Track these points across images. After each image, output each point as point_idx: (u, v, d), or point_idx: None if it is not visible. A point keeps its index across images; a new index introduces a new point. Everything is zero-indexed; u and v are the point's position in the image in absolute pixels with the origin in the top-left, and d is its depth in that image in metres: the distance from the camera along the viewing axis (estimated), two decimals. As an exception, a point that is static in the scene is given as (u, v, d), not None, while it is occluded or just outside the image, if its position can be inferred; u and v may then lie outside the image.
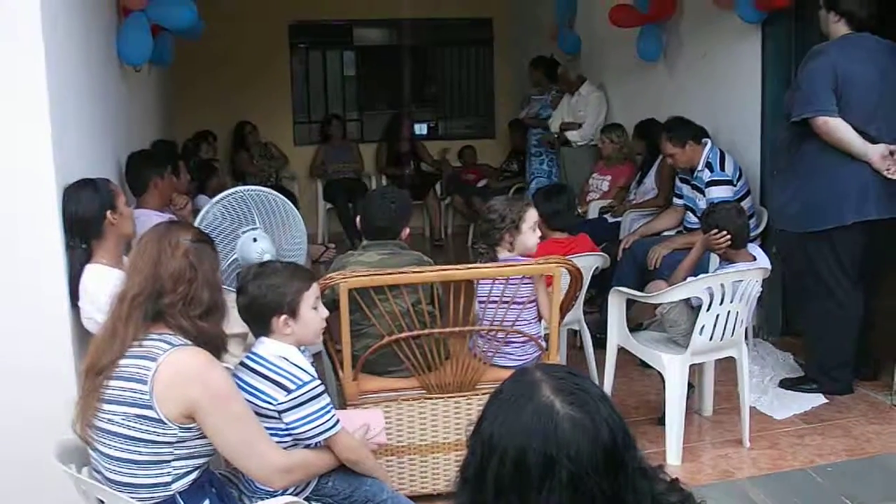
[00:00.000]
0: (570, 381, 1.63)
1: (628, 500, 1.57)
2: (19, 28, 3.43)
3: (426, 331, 3.90)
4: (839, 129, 4.74)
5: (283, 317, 2.96)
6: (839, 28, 4.91)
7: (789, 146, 5.04)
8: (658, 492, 1.67)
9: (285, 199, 4.12)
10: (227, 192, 4.10)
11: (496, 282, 3.98)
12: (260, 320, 2.98)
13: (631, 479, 1.59)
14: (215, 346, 2.73)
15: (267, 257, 3.84)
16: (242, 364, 2.96)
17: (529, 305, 4.10)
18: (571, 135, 8.53)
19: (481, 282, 4.03)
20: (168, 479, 2.59)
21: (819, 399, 5.11)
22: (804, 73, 4.87)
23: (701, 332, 4.33)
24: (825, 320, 5.13)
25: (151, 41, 5.53)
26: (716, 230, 4.58)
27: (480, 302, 4.04)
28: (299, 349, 3.04)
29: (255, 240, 4.00)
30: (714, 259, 4.99)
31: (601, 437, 1.54)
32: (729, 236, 4.55)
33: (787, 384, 5.32)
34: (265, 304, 2.95)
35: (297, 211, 4.16)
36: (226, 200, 4.02)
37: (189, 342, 2.61)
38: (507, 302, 3.96)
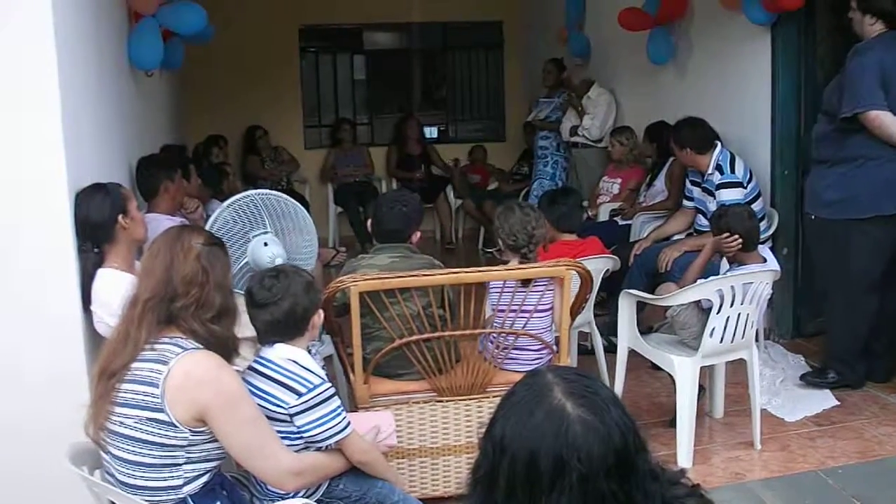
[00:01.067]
0: (582, 383, 1.64)
1: (638, 501, 1.58)
2: (32, 33, 3.44)
3: (437, 334, 3.90)
4: (890, 122, 4.77)
5: (319, 313, 3.03)
6: (875, 29, 4.92)
7: (833, 139, 5.05)
8: (671, 495, 1.68)
9: (296, 203, 4.11)
10: (238, 195, 4.10)
11: (518, 290, 3.99)
12: (301, 324, 3.00)
13: (641, 481, 1.60)
14: (227, 349, 2.74)
15: (279, 261, 3.85)
16: (252, 368, 2.98)
17: (548, 312, 4.11)
18: (579, 132, 8.53)
19: (506, 289, 4.03)
20: (179, 482, 2.60)
21: (830, 401, 5.10)
22: (851, 69, 4.88)
23: (711, 335, 4.33)
24: (849, 311, 5.16)
25: (162, 46, 5.55)
26: (727, 233, 4.58)
27: (500, 310, 4.04)
28: (309, 351, 3.05)
29: (265, 244, 4.00)
30: (724, 264, 4.98)
31: (612, 440, 1.55)
32: (740, 239, 4.55)
33: (807, 377, 5.34)
34: (308, 307, 3.00)
35: (308, 214, 4.15)
36: (237, 204, 4.03)
37: (201, 346, 2.63)
38: (528, 311, 3.98)
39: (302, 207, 4.13)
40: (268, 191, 4.16)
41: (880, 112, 4.78)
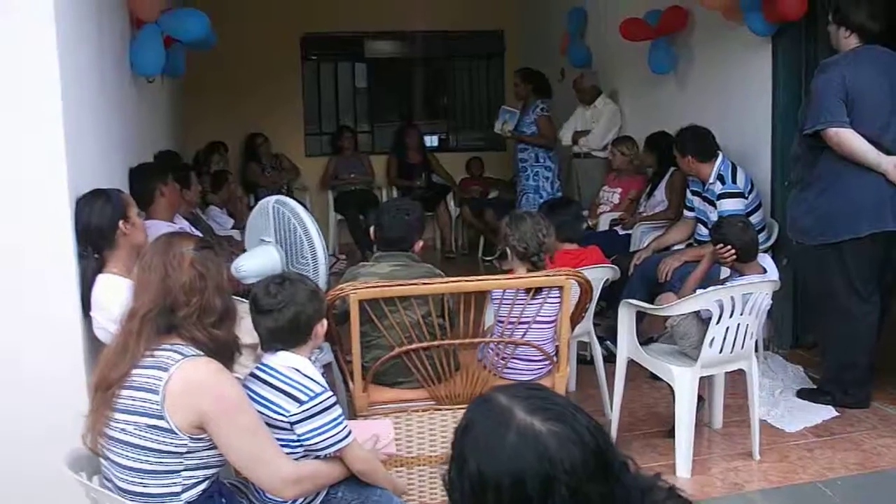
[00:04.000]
0: (538, 396, 1.64)
1: (618, 494, 1.58)
2: (33, 38, 3.46)
3: (436, 342, 3.90)
4: (851, 140, 4.75)
5: (323, 322, 3.04)
6: (850, 42, 4.93)
7: (803, 159, 5.05)
8: (644, 485, 1.68)
9: (308, 225, 4.05)
10: (265, 200, 4.11)
11: (519, 299, 3.98)
12: (305, 332, 3.00)
13: (617, 474, 1.60)
14: (229, 352, 2.75)
15: (237, 272, 3.85)
16: (254, 375, 2.97)
17: (550, 323, 4.11)
18: (581, 141, 8.53)
19: (506, 298, 4.02)
20: (178, 488, 2.60)
21: (830, 412, 5.10)
22: (814, 86, 4.89)
23: (711, 345, 4.32)
24: (839, 334, 5.13)
25: (164, 52, 5.56)
26: (721, 244, 4.58)
27: (501, 320, 4.04)
28: (310, 360, 3.05)
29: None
30: (724, 270, 4.98)
31: (587, 444, 1.55)
32: (734, 251, 4.55)
33: (803, 395, 5.32)
34: (311, 316, 3.01)
35: (318, 242, 4.08)
36: (257, 211, 4.04)
37: (201, 352, 2.63)
38: (528, 322, 3.98)
39: (309, 226, 4.06)
40: (287, 201, 4.13)
41: (840, 129, 4.77)
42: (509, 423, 1.58)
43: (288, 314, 2.96)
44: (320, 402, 2.86)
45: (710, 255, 4.76)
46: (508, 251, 4.28)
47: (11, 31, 3.45)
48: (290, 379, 2.90)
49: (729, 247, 4.56)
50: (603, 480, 1.56)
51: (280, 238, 4.12)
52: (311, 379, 2.92)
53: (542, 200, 8.32)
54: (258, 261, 4.01)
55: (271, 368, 2.94)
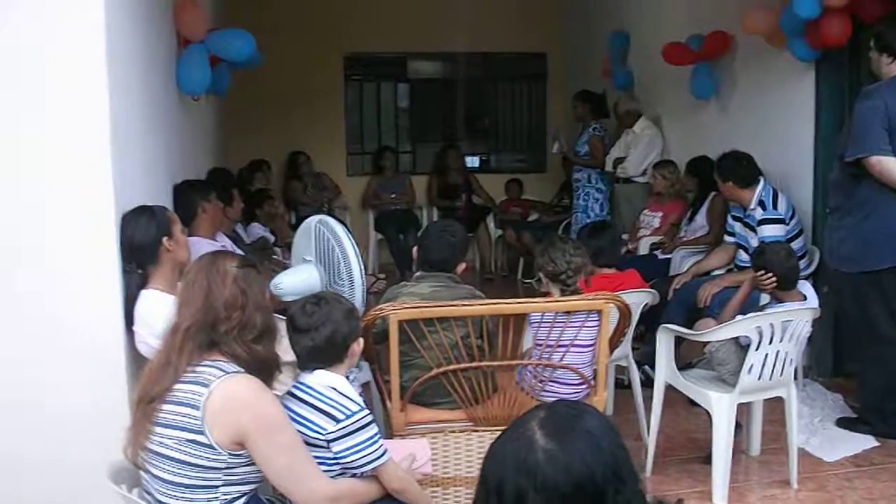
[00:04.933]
0: (565, 415, 1.66)
1: None
2: (84, 56, 3.52)
3: (475, 363, 3.91)
4: (893, 168, 4.72)
5: (359, 341, 3.07)
6: (892, 69, 4.90)
7: (843, 186, 5.03)
8: None
9: (341, 239, 4.08)
10: (310, 219, 4.14)
11: (557, 322, 3.98)
12: (341, 351, 3.03)
13: None
14: (269, 369, 2.78)
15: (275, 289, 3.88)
16: (291, 393, 2.99)
17: (589, 347, 4.11)
18: (619, 168, 8.56)
19: (544, 321, 4.02)
20: (217, 503, 2.62)
21: (870, 442, 5.05)
22: (856, 113, 4.87)
23: (749, 372, 4.30)
24: (878, 363, 5.08)
25: (210, 72, 5.63)
26: (763, 271, 4.57)
27: (539, 343, 4.04)
28: (347, 378, 3.07)
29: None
30: (765, 296, 4.96)
31: (573, 472, 1.56)
32: (775, 278, 4.54)
33: (843, 423, 5.27)
34: (347, 335, 3.03)
35: (358, 266, 4.07)
36: (302, 229, 4.08)
37: (241, 369, 2.66)
38: (566, 345, 3.99)
39: (351, 254, 4.07)
40: (329, 222, 4.16)
41: (882, 157, 4.74)
42: (520, 430, 1.63)
43: (324, 333, 2.98)
44: (357, 421, 2.88)
45: (749, 282, 4.74)
46: (541, 274, 4.31)
47: (62, 45, 3.52)
48: (326, 397, 2.92)
49: (770, 274, 4.55)
50: None
51: (321, 257, 4.15)
52: (348, 397, 2.94)
53: (588, 221, 8.37)
54: (297, 279, 4.04)
55: (308, 387, 2.97)
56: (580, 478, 1.56)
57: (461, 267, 4.27)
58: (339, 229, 4.13)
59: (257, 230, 7.50)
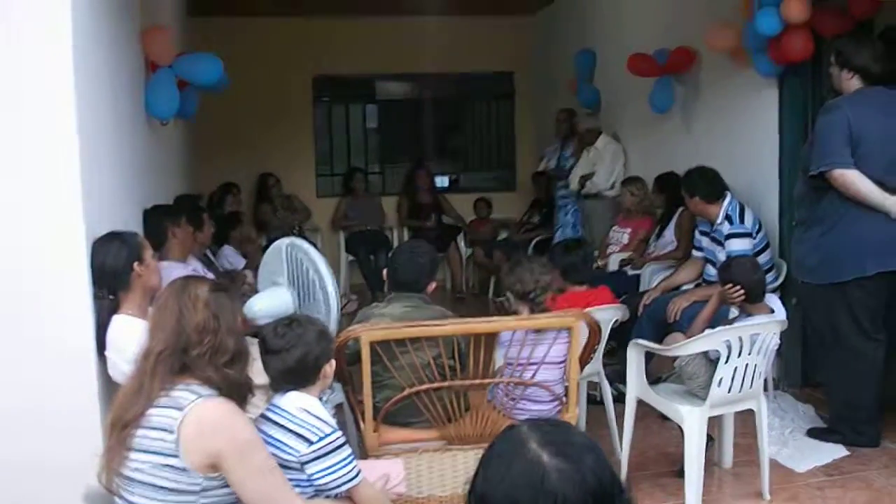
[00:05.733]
0: (556, 432, 1.69)
1: None
2: (52, 81, 3.53)
3: (447, 383, 3.92)
4: (856, 181, 4.79)
5: (331, 362, 3.08)
6: (852, 84, 4.97)
7: (808, 199, 5.09)
8: None
9: (314, 262, 4.09)
10: (278, 242, 4.14)
11: (528, 340, 4.00)
12: (313, 372, 3.04)
13: None
14: (242, 392, 2.79)
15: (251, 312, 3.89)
16: (264, 416, 3.00)
17: (560, 364, 4.13)
18: (588, 184, 8.62)
19: (515, 339, 4.04)
20: (192, 527, 2.63)
21: (841, 451, 5.08)
22: (818, 127, 4.94)
23: (719, 385, 4.34)
24: (846, 373, 5.12)
25: (178, 95, 5.64)
26: (730, 284, 4.62)
27: (510, 362, 4.06)
28: (320, 399, 3.08)
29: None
30: (733, 310, 5.00)
31: (587, 486, 1.59)
32: (742, 291, 4.58)
33: (813, 434, 5.31)
34: (319, 356, 3.04)
35: (331, 289, 4.10)
36: (270, 252, 4.07)
37: (215, 392, 2.67)
38: (537, 363, 4.00)
39: (326, 274, 4.08)
40: (300, 244, 4.16)
41: (845, 171, 4.80)
42: (520, 451, 1.64)
43: (296, 355, 3.00)
44: (330, 443, 2.89)
45: (718, 296, 4.79)
46: (509, 294, 4.34)
47: (29, 72, 3.52)
48: (299, 419, 2.93)
49: (737, 287, 4.59)
50: None
51: (292, 280, 4.16)
52: (321, 419, 2.95)
53: (566, 239, 8.42)
54: (271, 302, 4.04)
55: (281, 409, 2.98)
56: (593, 490, 1.59)
57: (432, 286, 4.29)
58: (312, 250, 4.15)
59: (228, 253, 7.49)
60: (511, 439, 1.69)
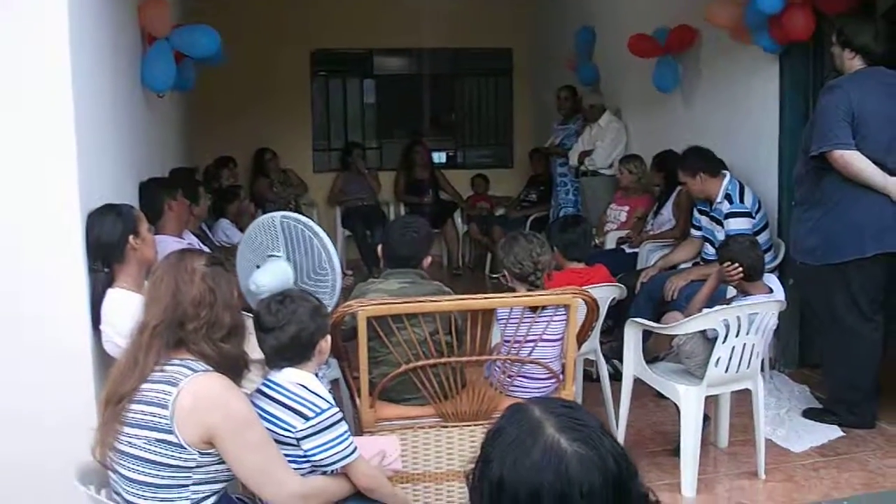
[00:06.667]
0: (571, 415, 1.66)
1: None
2: (48, 54, 3.49)
3: (443, 359, 3.91)
4: (856, 162, 4.76)
5: (326, 338, 3.05)
6: (854, 64, 4.95)
7: (808, 180, 5.07)
8: None
9: (323, 237, 4.05)
10: (270, 215, 4.10)
11: (525, 317, 3.98)
12: (308, 349, 3.02)
13: None
14: (238, 367, 2.77)
15: (255, 286, 3.87)
16: (259, 391, 2.98)
17: (557, 341, 4.12)
18: (586, 160, 8.60)
19: (513, 317, 4.02)
20: (186, 503, 2.61)
21: (836, 432, 5.10)
22: (819, 108, 4.91)
23: (716, 364, 4.33)
24: (843, 354, 5.13)
25: (175, 68, 5.60)
26: (729, 263, 4.60)
27: (507, 340, 4.05)
28: (317, 375, 3.06)
29: (257, 266, 4.00)
30: (731, 290, 5.00)
31: (609, 470, 1.57)
32: (741, 269, 4.57)
33: (809, 414, 5.33)
34: (314, 333, 3.02)
35: (332, 250, 4.08)
36: (264, 222, 4.04)
37: (210, 368, 2.65)
38: (534, 340, 3.99)
39: (323, 238, 4.05)
40: (293, 215, 4.14)
41: (845, 151, 4.78)
42: (537, 436, 1.61)
43: (290, 331, 2.97)
44: (326, 419, 2.87)
45: (716, 274, 4.78)
46: (506, 273, 4.31)
47: (26, 42, 3.48)
48: (295, 395, 2.91)
49: (736, 265, 4.58)
50: None
51: (289, 254, 4.12)
52: (318, 395, 2.93)
53: (566, 216, 8.39)
54: (274, 276, 4.01)
55: (277, 385, 2.96)
56: (615, 476, 1.58)
57: (427, 261, 4.27)
58: (310, 222, 4.12)
59: (225, 227, 7.47)
60: (525, 423, 1.65)
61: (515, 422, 1.67)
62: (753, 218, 5.84)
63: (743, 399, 4.78)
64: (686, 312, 4.84)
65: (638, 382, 4.72)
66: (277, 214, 4.10)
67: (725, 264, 4.62)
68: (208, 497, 2.66)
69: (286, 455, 2.81)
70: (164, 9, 5.53)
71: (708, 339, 4.45)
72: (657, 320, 5.04)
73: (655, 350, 5.05)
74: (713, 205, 5.98)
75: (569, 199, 9.31)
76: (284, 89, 10.89)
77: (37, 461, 3.46)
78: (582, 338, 4.27)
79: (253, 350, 2.97)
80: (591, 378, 5.53)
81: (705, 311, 4.52)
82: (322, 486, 2.89)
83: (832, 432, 5.09)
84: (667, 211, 7.08)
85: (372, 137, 11.92)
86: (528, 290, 4.19)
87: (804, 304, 5.60)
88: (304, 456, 2.87)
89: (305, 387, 2.94)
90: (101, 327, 3.63)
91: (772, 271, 5.41)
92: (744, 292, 4.64)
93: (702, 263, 6.14)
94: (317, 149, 11.59)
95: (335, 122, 11.80)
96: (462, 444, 4.01)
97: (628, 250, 7.24)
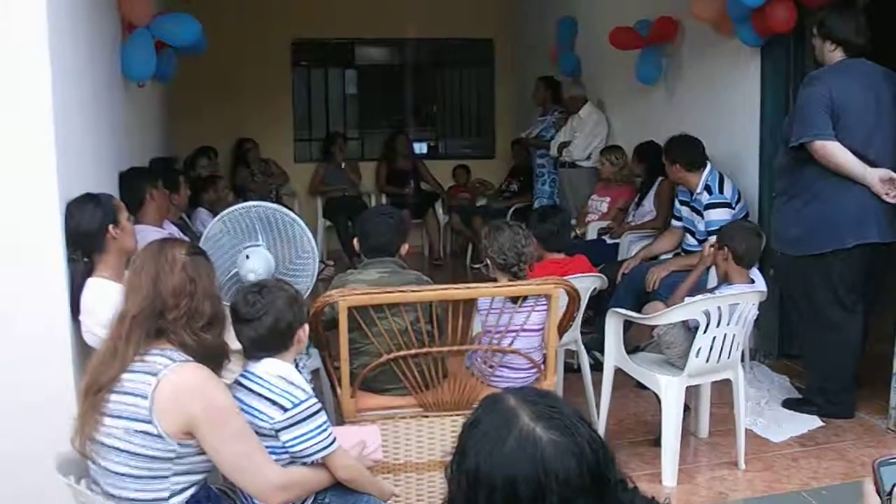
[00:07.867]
0: (546, 404, 1.66)
1: None
2: (26, 42, 3.46)
3: (424, 349, 3.91)
4: (837, 153, 4.78)
5: (304, 327, 3.04)
6: (835, 56, 4.96)
7: (789, 170, 5.08)
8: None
9: (296, 219, 4.08)
10: (236, 206, 4.10)
11: (506, 308, 3.99)
12: (286, 338, 3.00)
13: (613, 492, 1.62)
14: (218, 357, 2.76)
15: (256, 275, 3.85)
16: (238, 383, 2.97)
17: (538, 331, 4.12)
18: (564, 152, 8.60)
19: (493, 307, 4.03)
20: (166, 494, 2.60)
21: (815, 422, 5.12)
22: (800, 99, 4.93)
23: (697, 355, 4.34)
24: (823, 344, 5.15)
25: (155, 57, 5.56)
26: (725, 248, 4.59)
27: (489, 329, 4.05)
28: (296, 365, 3.05)
29: (247, 257, 3.99)
30: (712, 280, 5.01)
31: (585, 457, 1.58)
32: (736, 252, 4.56)
33: (789, 404, 5.35)
34: (292, 322, 3.00)
35: (308, 232, 4.11)
36: (232, 215, 4.03)
37: (190, 358, 2.64)
38: (515, 330, 3.99)
39: (302, 224, 4.09)
40: (268, 204, 4.14)
41: (826, 142, 4.79)
42: (512, 425, 1.61)
43: (267, 322, 2.96)
44: (305, 409, 2.86)
45: (701, 263, 4.79)
46: (489, 263, 4.29)
47: (3, 32, 3.45)
48: (274, 386, 2.89)
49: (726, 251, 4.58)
50: (596, 496, 1.58)
51: (270, 240, 4.13)
52: (296, 385, 2.91)
53: (544, 206, 8.39)
54: (260, 262, 4.01)
55: (256, 376, 2.94)
56: (591, 464, 1.58)
57: (405, 248, 4.26)
58: (283, 209, 4.14)
59: (203, 215, 7.43)
60: (500, 412, 1.65)
61: (490, 412, 1.67)
62: (733, 208, 5.85)
63: (723, 389, 4.79)
64: (669, 302, 4.85)
65: (619, 373, 4.72)
66: (251, 203, 4.10)
67: (723, 249, 4.61)
68: (188, 488, 2.64)
69: (265, 446, 2.80)
70: (144, -4, 5.50)
71: (689, 330, 4.46)
72: (638, 311, 5.05)
73: (636, 340, 5.06)
74: (693, 195, 5.99)
75: (545, 189, 9.32)
76: (266, 79, 10.83)
77: (14, 451, 3.45)
78: (563, 328, 4.28)
79: (233, 340, 2.96)
80: (572, 369, 5.54)
81: (687, 300, 4.53)
82: (302, 476, 2.88)
83: (812, 422, 5.11)
84: (648, 202, 7.09)
85: (354, 128, 11.89)
86: (511, 281, 4.18)
87: (785, 295, 5.61)
88: (283, 447, 2.86)
89: (284, 378, 2.92)
90: (81, 317, 3.62)
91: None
92: (728, 280, 4.64)
93: (682, 254, 6.16)
94: (298, 139, 11.55)
95: (317, 112, 11.76)
96: (443, 434, 4.01)
97: (609, 241, 7.24)
